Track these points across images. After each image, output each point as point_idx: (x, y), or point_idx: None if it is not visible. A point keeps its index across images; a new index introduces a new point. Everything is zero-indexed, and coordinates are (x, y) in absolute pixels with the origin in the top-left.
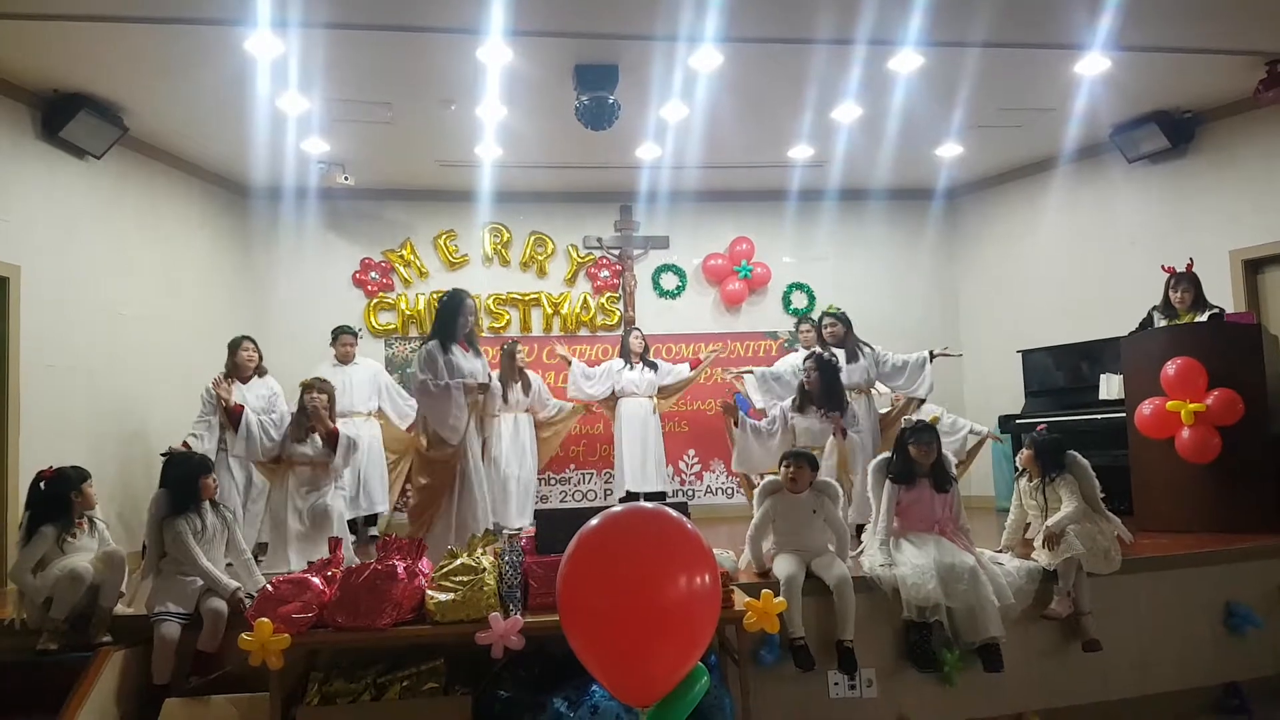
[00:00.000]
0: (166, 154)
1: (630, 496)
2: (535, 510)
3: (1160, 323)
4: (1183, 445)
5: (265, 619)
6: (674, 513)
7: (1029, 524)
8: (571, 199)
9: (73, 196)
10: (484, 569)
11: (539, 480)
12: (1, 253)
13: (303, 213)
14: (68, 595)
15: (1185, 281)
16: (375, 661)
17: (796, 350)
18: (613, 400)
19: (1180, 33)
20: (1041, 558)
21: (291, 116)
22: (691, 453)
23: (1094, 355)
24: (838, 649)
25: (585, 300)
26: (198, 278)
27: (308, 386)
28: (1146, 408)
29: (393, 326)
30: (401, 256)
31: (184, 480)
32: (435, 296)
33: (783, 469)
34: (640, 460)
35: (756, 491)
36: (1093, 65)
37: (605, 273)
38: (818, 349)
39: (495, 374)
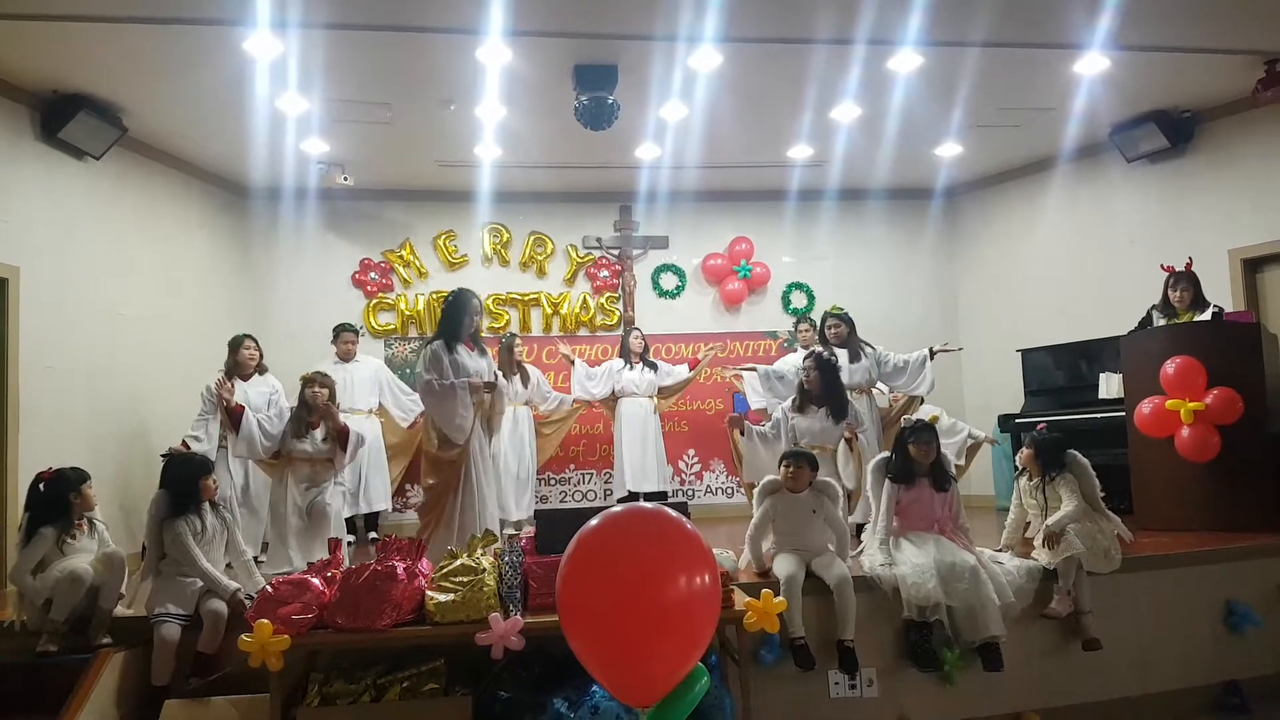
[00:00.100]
0: (166, 154)
1: (630, 496)
2: (535, 510)
3: (1159, 322)
4: (1182, 444)
5: (265, 620)
6: (674, 513)
7: (1029, 523)
8: (571, 199)
9: (72, 197)
10: (484, 569)
11: (539, 480)
12: (1, 253)
13: (302, 213)
14: (67, 597)
15: (1184, 280)
16: (375, 662)
17: (796, 350)
18: (612, 400)
19: (1179, 32)
20: (1041, 557)
21: (291, 117)
22: (691, 452)
23: (1093, 354)
24: (838, 649)
25: (585, 300)
26: (197, 278)
27: (309, 380)
28: (1146, 407)
29: (392, 327)
30: (401, 257)
31: (184, 481)
32: (435, 297)
33: (782, 469)
34: (640, 460)
35: (756, 491)
36: (1092, 65)
37: (605, 273)
38: (818, 348)
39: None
